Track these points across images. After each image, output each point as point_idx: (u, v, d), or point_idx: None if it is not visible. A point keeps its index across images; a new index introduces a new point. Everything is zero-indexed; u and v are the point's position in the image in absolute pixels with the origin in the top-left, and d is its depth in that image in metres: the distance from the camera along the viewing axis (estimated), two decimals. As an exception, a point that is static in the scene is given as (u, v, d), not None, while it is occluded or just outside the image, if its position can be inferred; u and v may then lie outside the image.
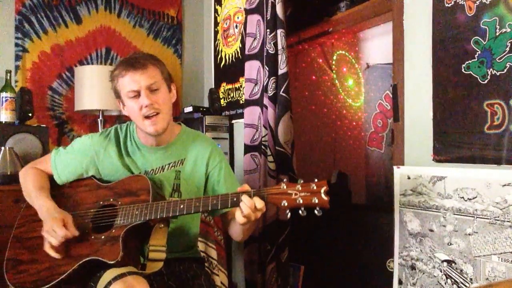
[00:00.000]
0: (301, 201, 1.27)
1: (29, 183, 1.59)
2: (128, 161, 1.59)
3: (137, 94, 1.48)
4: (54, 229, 1.41)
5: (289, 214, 1.29)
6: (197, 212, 1.41)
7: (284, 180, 1.33)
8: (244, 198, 1.30)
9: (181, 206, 1.38)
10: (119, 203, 1.47)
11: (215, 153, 1.64)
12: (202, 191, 1.62)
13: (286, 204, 1.28)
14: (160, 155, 1.59)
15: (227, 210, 1.54)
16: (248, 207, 1.29)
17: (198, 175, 1.61)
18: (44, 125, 2.46)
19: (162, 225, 1.45)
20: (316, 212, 1.26)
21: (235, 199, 1.33)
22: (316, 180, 1.29)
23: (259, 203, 1.30)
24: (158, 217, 1.40)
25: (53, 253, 1.43)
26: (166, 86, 1.55)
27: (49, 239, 1.42)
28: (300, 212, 1.27)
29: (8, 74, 2.42)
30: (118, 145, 1.61)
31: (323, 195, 1.26)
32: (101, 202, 1.51)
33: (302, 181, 1.30)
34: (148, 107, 1.47)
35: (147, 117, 1.49)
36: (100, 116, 2.61)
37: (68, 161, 1.61)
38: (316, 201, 1.26)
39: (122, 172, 1.57)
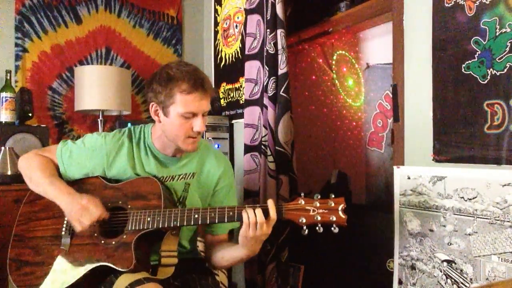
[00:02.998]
0: (319, 218, 1.27)
1: (36, 170, 1.50)
2: (138, 166, 1.53)
3: (192, 117, 1.43)
4: (89, 208, 1.37)
5: (306, 231, 1.29)
6: (212, 223, 1.38)
7: (302, 194, 1.32)
8: (258, 212, 1.30)
9: (196, 216, 1.36)
10: (129, 206, 1.43)
11: (228, 174, 1.61)
12: (205, 206, 1.59)
13: (304, 221, 1.28)
14: (173, 165, 1.55)
15: (222, 233, 1.57)
16: (259, 223, 1.29)
17: (205, 191, 1.58)
18: (44, 125, 2.46)
19: (175, 231, 1.44)
20: (332, 229, 1.27)
21: None
22: (333, 196, 1.29)
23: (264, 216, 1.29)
24: (172, 225, 1.37)
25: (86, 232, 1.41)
26: None
27: (81, 218, 1.37)
28: (317, 228, 1.27)
29: (8, 74, 2.42)
30: (130, 148, 1.54)
31: (340, 213, 1.27)
32: (109, 204, 1.45)
33: (319, 197, 1.30)
34: (200, 132, 1.45)
35: (190, 136, 1.46)
36: (100, 116, 2.61)
37: (77, 156, 1.54)
38: (334, 219, 1.27)
39: (130, 176, 1.52)
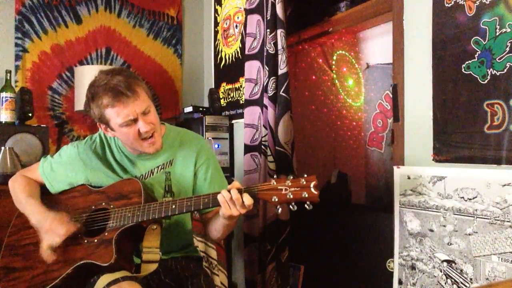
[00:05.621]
0: (291, 196, 1.30)
1: (18, 191, 1.59)
2: (116, 167, 1.58)
3: (133, 122, 1.44)
4: (54, 228, 1.41)
5: (280, 209, 1.33)
6: (189, 211, 1.43)
7: (274, 176, 1.35)
8: (233, 192, 1.33)
9: (173, 207, 1.39)
10: (111, 206, 1.47)
11: (203, 151, 1.63)
12: (191, 189, 1.62)
13: (276, 199, 1.31)
14: (148, 160, 1.58)
15: (213, 209, 1.55)
16: (235, 200, 1.32)
17: (187, 174, 1.60)
18: (44, 125, 2.46)
19: (155, 226, 1.45)
20: (306, 206, 1.30)
21: None
22: (305, 175, 1.32)
23: (248, 199, 1.32)
24: (151, 218, 1.40)
25: (51, 256, 1.42)
26: (151, 102, 1.51)
27: (50, 240, 1.42)
28: (291, 207, 1.30)
29: (8, 74, 2.42)
30: (104, 153, 1.60)
31: (312, 189, 1.29)
32: (93, 207, 1.51)
33: (291, 177, 1.33)
34: (147, 131, 1.45)
35: (144, 138, 1.47)
36: (100, 116, 2.61)
37: (57, 171, 1.61)
38: (306, 195, 1.29)
39: (111, 179, 1.56)
